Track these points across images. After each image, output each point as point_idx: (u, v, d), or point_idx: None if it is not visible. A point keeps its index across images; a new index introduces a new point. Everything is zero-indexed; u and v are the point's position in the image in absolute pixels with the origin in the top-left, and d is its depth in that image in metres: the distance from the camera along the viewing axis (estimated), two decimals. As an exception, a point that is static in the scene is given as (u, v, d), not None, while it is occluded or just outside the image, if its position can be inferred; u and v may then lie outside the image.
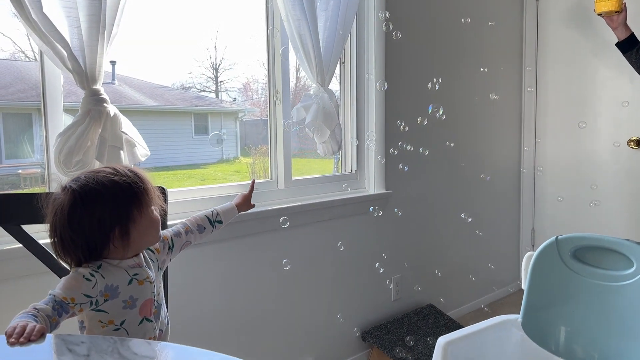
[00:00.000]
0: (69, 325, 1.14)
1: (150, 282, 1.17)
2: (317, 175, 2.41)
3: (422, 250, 2.83)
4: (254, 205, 1.53)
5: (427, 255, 2.86)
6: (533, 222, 3.54)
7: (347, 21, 2.18)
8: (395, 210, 2.58)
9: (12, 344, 0.87)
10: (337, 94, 2.49)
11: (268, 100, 2.21)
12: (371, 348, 2.53)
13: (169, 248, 1.30)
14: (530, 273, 1.53)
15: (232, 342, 2.03)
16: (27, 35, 1.48)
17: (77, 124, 1.48)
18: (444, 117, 2.65)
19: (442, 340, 1.42)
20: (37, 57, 1.61)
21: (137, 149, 1.59)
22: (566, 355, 1.47)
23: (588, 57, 3.17)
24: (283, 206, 2.13)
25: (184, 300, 1.85)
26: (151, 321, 1.17)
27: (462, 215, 2.74)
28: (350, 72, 2.48)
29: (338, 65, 2.40)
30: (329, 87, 2.17)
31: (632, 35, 2.39)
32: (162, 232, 1.29)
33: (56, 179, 1.46)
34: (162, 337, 1.22)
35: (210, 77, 2.35)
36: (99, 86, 1.52)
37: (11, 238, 1.34)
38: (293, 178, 2.26)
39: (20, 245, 1.34)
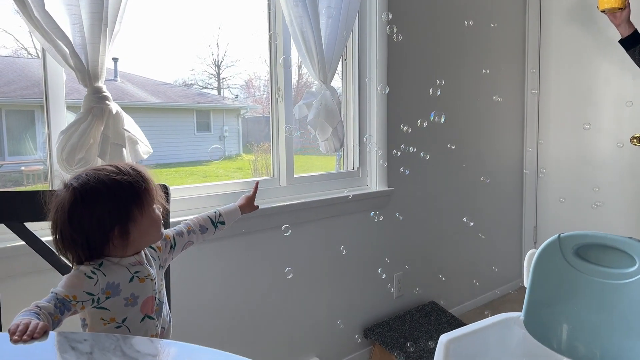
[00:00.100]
0: (71, 323, 1.14)
1: (152, 280, 1.17)
2: (319, 173, 2.41)
3: (424, 247, 2.83)
4: (257, 207, 1.52)
5: (429, 253, 2.86)
6: (535, 220, 3.54)
7: (349, 18, 2.18)
8: (397, 214, 2.58)
9: (15, 342, 0.88)
10: (339, 90, 2.49)
11: (270, 97, 2.21)
12: (373, 345, 2.53)
13: (171, 247, 1.30)
14: (532, 271, 1.53)
15: (234, 340, 2.04)
16: (30, 33, 1.48)
17: (80, 122, 1.48)
18: (443, 122, 2.64)
19: (444, 338, 1.42)
20: (40, 54, 1.62)
21: (139, 147, 1.59)
22: (568, 353, 1.47)
23: (591, 55, 3.16)
24: (285, 204, 2.13)
25: (186, 298, 1.85)
26: (153, 318, 1.18)
27: (464, 219, 2.73)
28: (352, 69, 2.48)
29: (340, 62, 2.39)
30: (331, 84, 2.17)
31: (636, 32, 2.38)
32: (165, 231, 1.29)
33: (59, 176, 1.46)
34: (164, 334, 1.23)
35: (212, 74, 2.35)
36: (101, 84, 1.52)
37: (14, 235, 1.34)
38: (295, 175, 2.26)
39: (23, 242, 1.34)
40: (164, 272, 1.28)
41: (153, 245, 1.25)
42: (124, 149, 1.54)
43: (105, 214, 1.08)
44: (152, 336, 1.17)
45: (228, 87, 2.44)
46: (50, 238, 1.15)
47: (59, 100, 1.62)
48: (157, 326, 1.19)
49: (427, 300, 2.84)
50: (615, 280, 1.41)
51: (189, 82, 2.34)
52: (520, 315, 1.55)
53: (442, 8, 2.81)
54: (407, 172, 2.46)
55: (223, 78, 2.39)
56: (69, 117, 1.62)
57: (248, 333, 2.08)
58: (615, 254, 1.42)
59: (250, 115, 2.51)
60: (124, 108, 1.59)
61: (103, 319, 1.11)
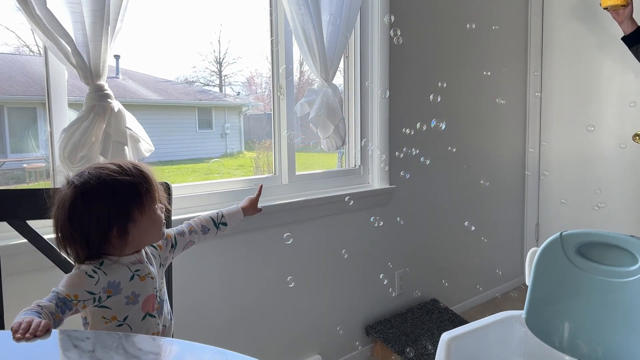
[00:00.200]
0: (73, 321, 1.14)
1: (152, 278, 1.17)
2: (320, 170, 2.41)
3: (425, 244, 2.83)
4: (260, 210, 1.51)
5: (430, 250, 2.86)
6: (537, 218, 3.54)
7: (350, 16, 2.17)
8: (398, 219, 2.57)
9: (18, 340, 0.88)
10: (341, 88, 2.48)
11: (272, 95, 2.21)
12: (375, 342, 2.54)
13: (172, 246, 1.30)
14: (534, 269, 1.53)
15: (236, 337, 2.04)
16: (32, 30, 1.48)
17: (82, 120, 1.48)
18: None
19: (445, 337, 1.42)
20: (42, 52, 1.62)
21: (141, 145, 1.59)
22: (570, 351, 1.47)
23: (593, 52, 3.15)
24: (287, 201, 2.13)
25: (188, 296, 1.86)
26: (154, 317, 1.18)
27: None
28: (354, 66, 2.47)
29: (342, 60, 2.39)
30: (333, 81, 2.16)
31: (639, 28, 2.37)
32: (166, 231, 1.30)
33: (63, 172, 1.47)
34: (165, 332, 1.23)
35: (214, 71, 2.35)
36: (103, 82, 1.52)
37: (16, 233, 1.34)
38: (297, 173, 2.26)
39: (26, 240, 1.34)
40: (164, 271, 1.28)
41: (154, 244, 1.25)
42: (125, 147, 1.54)
43: (105, 214, 1.08)
44: (153, 334, 1.17)
45: (230, 84, 2.44)
46: (52, 236, 1.15)
47: (61, 98, 1.62)
48: (158, 324, 1.19)
49: (428, 298, 2.84)
50: (617, 278, 1.41)
51: (191, 80, 2.34)
52: (522, 313, 1.55)
53: (444, 9, 2.80)
54: (408, 176, 2.46)
55: (225, 75, 2.38)
56: (71, 115, 1.62)
57: (250, 331, 2.08)
58: (617, 252, 1.42)
59: (251, 112, 2.51)
60: (126, 106, 1.59)
61: (104, 318, 1.11)
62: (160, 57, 2.08)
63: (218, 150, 2.43)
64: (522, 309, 1.56)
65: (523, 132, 3.46)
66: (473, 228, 2.74)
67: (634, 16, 2.37)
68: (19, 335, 0.88)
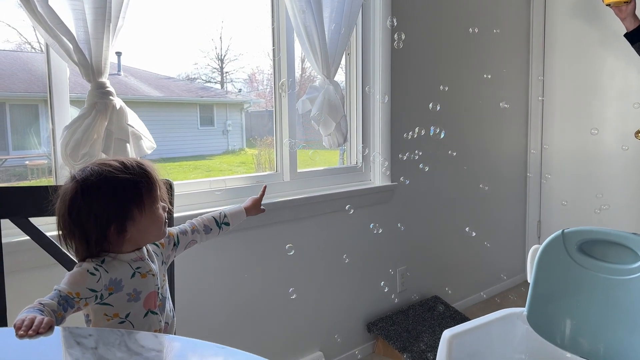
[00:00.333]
0: (75, 318, 1.15)
1: (153, 275, 1.17)
2: (322, 168, 2.41)
3: (427, 241, 2.83)
4: (264, 210, 1.50)
5: (432, 247, 2.86)
6: (539, 215, 3.53)
7: (352, 13, 2.17)
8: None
9: (21, 337, 0.88)
10: (343, 85, 2.48)
11: (273, 92, 2.21)
12: (376, 339, 2.54)
13: (174, 245, 1.30)
14: (536, 266, 1.53)
15: (238, 334, 2.04)
16: (33, 27, 1.48)
17: (84, 117, 1.49)
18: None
19: (447, 334, 1.42)
20: (43, 49, 1.61)
21: (143, 142, 1.59)
22: (571, 348, 1.47)
23: (596, 49, 3.14)
24: (288, 198, 2.13)
25: (190, 293, 1.86)
26: (156, 314, 1.18)
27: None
28: (356, 63, 2.47)
29: (344, 57, 2.38)
30: (335, 78, 2.16)
31: (642, 25, 2.36)
32: (169, 229, 1.30)
33: (70, 166, 1.47)
34: (168, 329, 1.23)
35: (215, 68, 2.35)
36: (104, 79, 1.52)
37: (19, 230, 1.35)
38: (298, 170, 2.26)
39: (28, 237, 1.35)
40: (166, 269, 1.28)
41: (156, 242, 1.25)
42: (127, 144, 1.54)
43: (103, 211, 1.08)
44: (155, 331, 1.18)
45: (231, 81, 2.43)
46: (55, 233, 1.15)
47: (62, 95, 1.62)
48: (160, 321, 1.19)
49: (430, 295, 2.84)
50: (619, 276, 1.41)
51: (192, 76, 2.34)
52: (523, 310, 1.55)
53: (445, 11, 2.80)
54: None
55: (226, 72, 2.38)
56: (73, 112, 1.62)
57: (251, 328, 2.09)
58: (619, 249, 1.42)
59: (253, 109, 2.51)
60: (128, 103, 1.59)
61: (106, 315, 1.12)
62: (161, 54, 2.08)
63: (220, 147, 2.43)
64: (524, 306, 1.56)
65: (525, 132, 3.45)
66: (474, 234, 2.73)
67: (637, 13, 2.36)
68: (22, 332, 0.89)
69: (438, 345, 1.44)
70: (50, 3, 1.40)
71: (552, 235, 1.51)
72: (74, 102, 1.65)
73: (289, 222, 2.17)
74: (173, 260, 1.36)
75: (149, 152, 1.62)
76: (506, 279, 3.40)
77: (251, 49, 2.31)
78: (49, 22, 1.41)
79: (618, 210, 3.09)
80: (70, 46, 1.45)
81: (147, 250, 1.20)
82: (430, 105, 2.41)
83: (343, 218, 2.37)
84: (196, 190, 1.93)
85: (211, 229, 1.37)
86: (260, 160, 2.38)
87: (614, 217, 3.09)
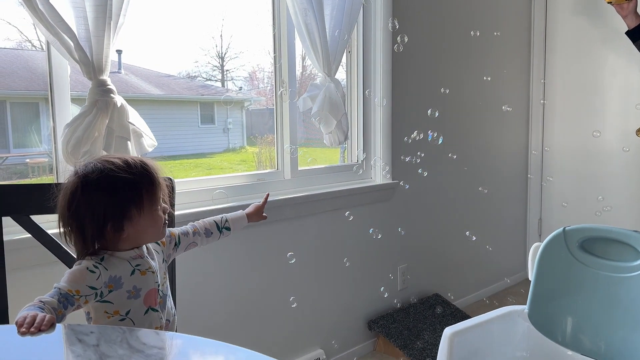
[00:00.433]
0: (76, 316, 1.15)
1: (153, 272, 1.18)
2: (323, 166, 2.41)
3: (428, 239, 2.83)
4: (265, 217, 1.50)
5: (433, 245, 2.86)
6: (540, 213, 3.53)
7: (353, 10, 2.16)
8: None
9: (23, 334, 0.89)
10: (344, 83, 2.48)
11: (274, 90, 2.20)
12: (377, 337, 2.54)
13: (175, 244, 1.31)
14: (537, 264, 1.53)
15: (239, 332, 2.05)
16: (34, 25, 1.48)
17: (85, 115, 1.49)
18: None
19: (448, 331, 1.42)
20: (44, 47, 1.61)
21: (144, 140, 1.59)
22: (573, 346, 1.47)
23: (597, 47, 3.14)
24: (289, 196, 2.13)
25: (191, 291, 1.86)
26: (157, 311, 1.18)
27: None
28: (357, 61, 2.47)
29: (345, 55, 2.38)
30: (336, 76, 2.16)
31: (643, 23, 2.36)
32: (171, 229, 1.31)
33: (71, 164, 1.47)
34: (169, 327, 1.23)
35: (216, 66, 2.34)
36: (105, 77, 1.52)
37: (20, 228, 1.35)
38: (299, 168, 2.26)
39: (29, 235, 1.35)
40: (167, 266, 1.28)
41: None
42: (128, 142, 1.54)
43: (100, 209, 1.08)
44: (156, 328, 1.18)
45: (232, 79, 2.43)
46: (56, 231, 1.15)
47: (63, 93, 1.62)
48: (161, 318, 1.19)
49: (431, 293, 2.84)
50: (620, 273, 1.41)
51: (193, 74, 2.33)
52: (524, 308, 1.55)
53: (446, 12, 2.79)
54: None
55: (227, 70, 2.38)
56: (74, 110, 1.62)
57: (252, 325, 2.09)
58: (620, 247, 1.42)
59: (254, 107, 2.50)
60: (128, 101, 1.59)
61: (107, 312, 1.12)
62: (162, 52, 2.08)
63: (220, 146, 2.43)
64: (525, 304, 1.56)
65: (526, 132, 3.45)
66: (474, 238, 2.73)
67: (638, 10, 2.36)
68: (23, 330, 0.89)
69: (439, 343, 1.44)
70: (51, 1, 1.40)
71: (554, 233, 1.51)
72: (74, 100, 1.65)
73: (290, 220, 2.17)
74: (174, 258, 1.36)
75: (150, 149, 1.62)
76: (507, 276, 3.40)
77: (252, 47, 2.31)
78: (49, 19, 1.41)
79: (619, 210, 3.08)
80: (71, 44, 1.45)
81: (147, 247, 1.20)
82: (429, 111, 2.41)
83: (344, 216, 2.37)
84: (197, 188, 1.93)
85: (212, 233, 1.38)
86: (260, 158, 2.38)
87: (615, 216, 3.09)
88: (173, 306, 1.28)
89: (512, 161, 3.39)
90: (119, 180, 1.10)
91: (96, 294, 1.09)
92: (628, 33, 2.41)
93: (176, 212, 1.51)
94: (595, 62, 3.17)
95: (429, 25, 2.70)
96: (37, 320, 0.91)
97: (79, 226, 1.09)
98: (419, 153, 2.58)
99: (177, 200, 1.71)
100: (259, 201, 1.51)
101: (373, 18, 2.46)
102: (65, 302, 1.03)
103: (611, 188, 3.13)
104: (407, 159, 2.51)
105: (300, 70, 2.48)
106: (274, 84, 2.21)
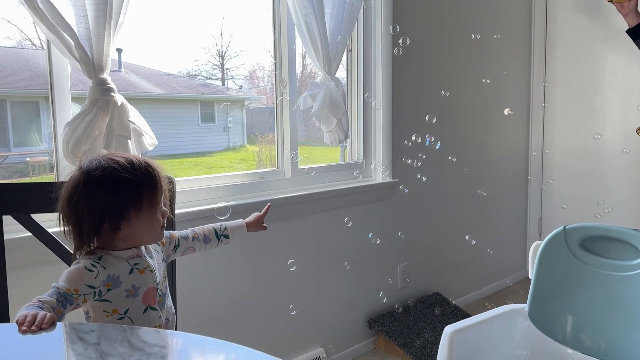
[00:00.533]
0: (76, 315, 1.15)
1: (151, 271, 1.18)
2: (323, 164, 2.41)
3: (428, 238, 2.83)
4: (265, 228, 1.49)
5: (433, 243, 2.86)
6: (540, 211, 3.53)
7: (354, 9, 2.16)
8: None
9: (24, 332, 0.89)
10: (344, 82, 2.47)
11: (275, 88, 2.20)
12: (377, 335, 2.55)
13: (175, 247, 1.31)
14: (537, 262, 1.53)
15: (239, 330, 2.05)
16: (34, 24, 1.48)
17: (85, 114, 1.49)
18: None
19: (448, 330, 1.43)
20: (44, 45, 1.61)
21: (144, 138, 1.59)
22: (573, 344, 1.47)
23: (598, 46, 3.14)
24: (290, 195, 2.13)
25: (191, 290, 1.86)
26: (156, 309, 1.18)
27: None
28: (357, 60, 2.46)
29: (345, 53, 2.38)
30: (336, 75, 2.16)
31: (643, 21, 2.36)
32: (172, 232, 1.31)
33: (71, 163, 1.48)
34: (168, 326, 1.23)
35: (216, 65, 2.34)
36: (106, 75, 1.52)
37: (21, 227, 1.35)
38: (299, 167, 2.26)
39: (30, 234, 1.35)
40: (166, 266, 1.28)
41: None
42: (129, 141, 1.54)
43: (99, 206, 1.09)
44: (155, 327, 1.18)
45: (232, 77, 2.43)
46: (57, 229, 1.15)
47: (64, 92, 1.62)
48: (160, 317, 1.19)
49: (431, 291, 2.85)
50: (620, 272, 1.41)
51: (193, 73, 2.33)
52: (525, 306, 1.55)
53: (446, 11, 2.79)
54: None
55: (227, 69, 2.38)
56: (74, 109, 1.62)
57: (253, 324, 2.09)
58: (620, 246, 1.42)
59: (254, 106, 2.50)
60: (129, 99, 1.59)
61: (105, 311, 1.12)
62: (162, 50, 2.08)
63: (220, 144, 2.43)
64: (525, 303, 1.56)
65: (526, 132, 3.45)
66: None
67: (639, 9, 2.36)
68: (24, 328, 0.89)
69: (439, 342, 1.45)
70: (51, -1, 1.40)
71: (554, 232, 1.51)
72: (75, 98, 1.65)
73: (290, 219, 2.17)
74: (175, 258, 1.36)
75: (150, 148, 1.62)
76: (507, 275, 3.40)
77: (252, 46, 2.31)
78: (50, 18, 1.41)
79: (619, 210, 3.08)
80: (72, 42, 1.45)
81: (145, 246, 1.21)
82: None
83: (344, 215, 2.37)
84: (197, 187, 1.93)
85: (210, 240, 1.38)
86: (261, 157, 2.38)
87: (616, 217, 3.08)
88: (172, 305, 1.28)
89: (513, 162, 3.39)
90: (121, 179, 1.10)
91: (95, 292, 1.09)
92: (629, 32, 2.41)
93: (176, 211, 1.51)
94: (595, 61, 3.16)
95: (429, 26, 2.70)
96: (38, 318, 0.91)
97: (76, 220, 1.10)
98: (420, 155, 2.58)
99: (177, 199, 1.71)
100: (259, 211, 1.50)
101: (373, 18, 2.45)
102: (64, 301, 1.03)
103: (612, 188, 3.13)
104: (409, 161, 2.51)
105: (301, 69, 2.48)
106: (274, 82, 2.21)
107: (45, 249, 1.35)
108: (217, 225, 1.40)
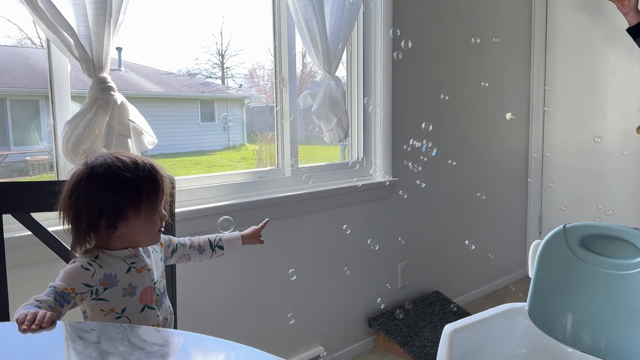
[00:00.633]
0: (73, 315, 1.15)
1: (149, 270, 1.18)
2: (323, 163, 2.41)
3: (428, 236, 2.83)
4: (262, 242, 1.49)
5: (433, 242, 2.86)
6: (540, 210, 3.53)
7: (353, 7, 2.16)
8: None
9: (24, 331, 0.89)
10: (344, 80, 2.47)
11: (275, 87, 2.20)
12: (377, 334, 2.55)
13: (173, 250, 1.32)
14: (537, 261, 1.53)
15: (239, 329, 2.05)
16: (34, 22, 1.47)
17: (85, 112, 1.49)
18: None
19: (448, 328, 1.43)
20: (44, 44, 1.61)
21: (144, 137, 1.59)
22: (573, 343, 1.48)
23: (598, 44, 3.13)
24: (289, 194, 2.13)
25: (192, 289, 1.86)
26: (153, 309, 1.18)
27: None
28: (357, 58, 2.46)
29: (345, 52, 2.38)
30: (336, 74, 2.16)
31: (644, 20, 2.36)
32: (170, 237, 1.32)
33: (71, 162, 1.48)
34: (166, 325, 1.23)
35: (216, 64, 2.34)
36: (105, 74, 1.52)
37: (21, 225, 1.35)
38: (299, 166, 2.26)
39: (30, 232, 1.35)
40: (164, 266, 1.28)
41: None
42: (129, 140, 1.54)
43: (98, 203, 1.09)
44: (154, 326, 1.18)
45: (232, 76, 2.43)
46: (57, 228, 1.15)
47: (63, 91, 1.62)
48: (157, 316, 1.19)
49: (431, 290, 2.85)
50: (620, 271, 1.41)
51: (193, 72, 2.33)
52: (524, 305, 1.55)
53: (446, 11, 2.79)
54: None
55: (227, 67, 2.38)
56: (74, 108, 1.62)
57: (253, 322, 2.09)
58: (620, 244, 1.42)
59: (254, 105, 2.50)
60: (129, 98, 1.59)
61: (102, 310, 1.12)
62: (162, 49, 2.08)
63: (220, 143, 2.43)
64: (525, 301, 1.56)
65: (526, 133, 3.45)
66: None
67: (639, 7, 2.36)
68: (24, 327, 0.89)
69: (439, 340, 1.45)
70: (50, -2, 1.40)
71: (554, 230, 1.51)
72: (75, 97, 1.65)
73: (290, 218, 2.17)
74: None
75: (150, 147, 1.62)
76: (507, 274, 3.41)
77: (252, 45, 2.31)
78: (49, 16, 1.41)
79: (620, 210, 3.08)
80: (71, 41, 1.45)
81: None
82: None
83: (344, 213, 2.37)
84: (197, 186, 1.93)
85: (204, 250, 1.38)
86: (261, 156, 2.38)
87: (616, 217, 3.08)
88: (170, 305, 1.28)
89: (513, 163, 3.39)
90: (123, 178, 1.10)
91: (91, 291, 1.09)
92: (629, 30, 2.41)
93: (176, 210, 1.51)
94: (596, 60, 3.16)
95: (429, 29, 2.70)
96: (38, 317, 0.91)
97: (75, 214, 1.10)
98: (421, 157, 2.58)
99: (178, 198, 1.70)
100: (257, 225, 1.49)
101: (373, 21, 2.45)
102: (61, 300, 1.03)
103: (612, 190, 3.13)
104: (410, 165, 2.50)
105: (301, 68, 2.48)
106: (274, 81, 2.20)
107: (45, 248, 1.35)
108: (212, 236, 1.40)
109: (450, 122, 2.86)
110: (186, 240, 1.35)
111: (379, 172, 2.51)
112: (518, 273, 3.48)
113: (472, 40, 2.84)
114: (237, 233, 1.45)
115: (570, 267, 1.48)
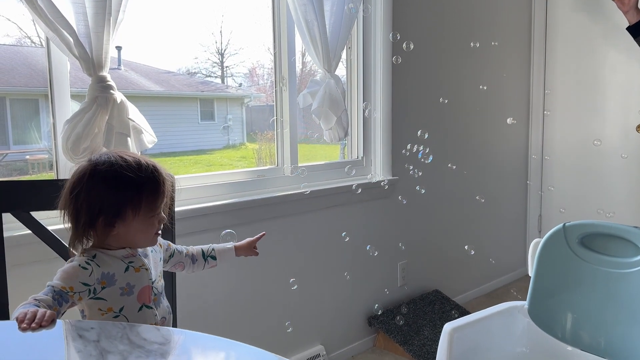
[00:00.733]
0: (72, 314, 1.15)
1: (147, 270, 1.18)
2: (323, 162, 2.41)
3: (428, 235, 2.83)
4: (257, 254, 1.47)
5: (433, 241, 2.86)
6: (540, 209, 3.53)
7: (352, 12, 2.16)
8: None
9: (24, 330, 0.89)
10: (344, 79, 2.47)
11: (274, 86, 2.20)
12: (377, 333, 2.55)
13: (170, 255, 1.32)
14: (537, 260, 1.53)
15: (239, 328, 2.05)
16: (33, 21, 1.47)
17: (84, 111, 1.48)
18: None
19: (448, 327, 1.43)
20: (44, 43, 1.61)
21: (144, 136, 1.59)
22: (572, 341, 1.48)
23: (598, 43, 3.13)
24: (289, 192, 2.13)
25: (191, 287, 1.86)
26: (151, 308, 1.18)
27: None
28: (357, 57, 2.46)
29: (345, 51, 2.38)
30: (336, 72, 2.16)
31: (644, 18, 2.36)
32: (169, 242, 1.32)
33: (71, 161, 1.48)
34: (165, 324, 1.23)
35: (215, 63, 2.34)
36: (105, 73, 1.52)
37: (20, 224, 1.35)
38: (299, 164, 2.26)
39: (30, 231, 1.35)
40: (162, 265, 1.28)
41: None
42: (128, 138, 1.54)
43: (97, 201, 1.09)
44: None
45: (232, 75, 2.43)
46: (56, 227, 1.15)
47: (63, 90, 1.62)
48: (155, 316, 1.19)
49: (431, 289, 2.85)
50: (620, 269, 1.41)
51: (193, 71, 2.33)
52: (524, 304, 1.55)
53: (447, 11, 2.79)
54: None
55: (226, 66, 2.38)
56: (74, 106, 1.62)
57: (253, 321, 2.09)
58: (620, 243, 1.42)
59: (253, 104, 2.50)
60: (128, 97, 1.59)
61: (100, 309, 1.12)
62: (162, 48, 2.08)
63: (220, 142, 2.43)
64: (525, 300, 1.56)
65: (526, 134, 3.45)
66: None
67: (639, 6, 2.36)
68: (24, 325, 0.89)
69: (439, 339, 1.45)
70: (50, -4, 1.40)
71: (554, 229, 1.51)
72: (74, 96, 1.65)
73: (290, 216, 2.17)
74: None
75: (150, 146, 1.62)
76: (507, 272, 3.41)
77: (251, 43, 2.31)
78: (49, 15, 1.41)
79: (620, 210, 3.08)
80: (71, 40, 1.45)
81: None
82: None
83: (344, 212, 2.37)
84: (197, 184, 1.93)
85: (197, 260, 1.37)
86: (261, 155, 2.38)
87: (616, 218, 3.08)
88: (169, 304, 1.28)
89: (513, 165, 3.39)
90: (124, 178, 1.10)
91: (89, 290, 1.09)
92: (629, 29, 2.41)
93: (176, 209, 1.51)
94: (595, 59, 3.16)
95: (428, 32, 2.69)
96: (38, 316, 0.91)
97: (75, 210, 1.11)
98: (422, 160, 2.58)
99: (177, 197, 1.70)
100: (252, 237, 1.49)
101: (373, 25, 2.45)
102: (59, 300, 1.03)
103: (612, 191, 3.13)
104: (410, 170, 2.50)
105: (300, 67, 2.48)
106: (274, 80, 2.20)
107: (45, 247, 1.35)
108: (205, 246, 1.40)
109: (450, 125, 2.86)
110: (182, 248, 1.36)
111: (379, 176, 2.51)
112: (518, 272, 3.48)
113: (472, 44, 2.84)
114: (230, 244, 1.43)
115: (570, 266, 1.49)
